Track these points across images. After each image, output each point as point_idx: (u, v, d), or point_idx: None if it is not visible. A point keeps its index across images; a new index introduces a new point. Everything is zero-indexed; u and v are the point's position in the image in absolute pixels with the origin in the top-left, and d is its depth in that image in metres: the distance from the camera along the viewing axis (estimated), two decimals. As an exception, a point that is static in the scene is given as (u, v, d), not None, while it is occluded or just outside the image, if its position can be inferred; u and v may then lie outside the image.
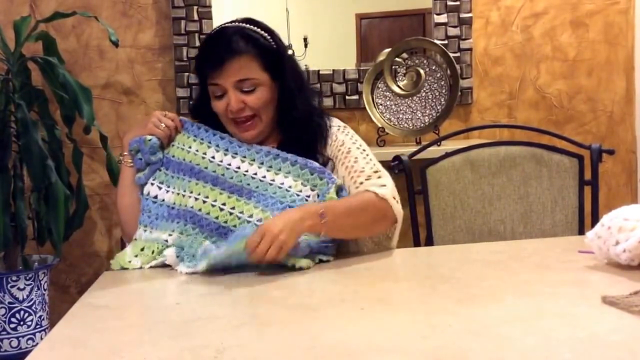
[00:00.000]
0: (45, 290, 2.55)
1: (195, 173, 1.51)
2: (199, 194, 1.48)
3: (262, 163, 1.48)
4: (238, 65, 1.50)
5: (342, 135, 1.58)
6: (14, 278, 2.45)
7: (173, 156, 1.55)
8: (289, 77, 1.56)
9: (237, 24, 1.56)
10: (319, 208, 1.37)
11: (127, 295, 1.25)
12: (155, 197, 1.53)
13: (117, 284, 1.34)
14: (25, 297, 2.47)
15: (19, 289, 2.46)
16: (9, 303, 2.45)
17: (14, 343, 2.46)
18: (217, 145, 1.53)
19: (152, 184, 1.54)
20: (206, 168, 1.51)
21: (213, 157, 1.52)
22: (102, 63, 2.86)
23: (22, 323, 2.47)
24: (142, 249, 1.45)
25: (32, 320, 2.49)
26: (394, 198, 1.47)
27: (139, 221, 1.53)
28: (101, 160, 2.75)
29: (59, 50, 2.62)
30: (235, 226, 1.42)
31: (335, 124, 1.61)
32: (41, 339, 2.47)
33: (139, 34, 2.87)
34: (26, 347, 2.47)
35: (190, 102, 2.85)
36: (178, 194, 1.51)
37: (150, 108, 2.88)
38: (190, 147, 1.54)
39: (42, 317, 2.53)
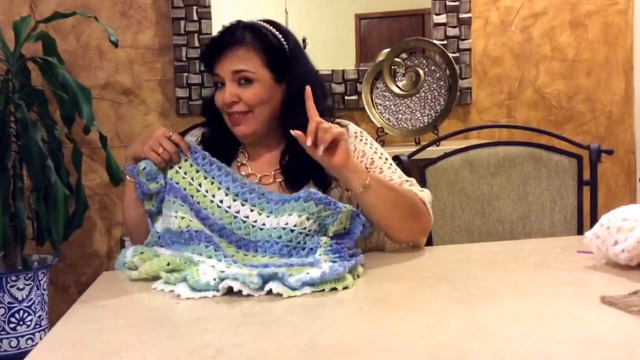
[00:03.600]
0: (44, 290, 2.56)
1: (202, 217, 1.43)
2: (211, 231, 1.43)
3: (271, 212, 1.42)
4: (236, 56, 1.47)
5: (360, 145, 1.54)
6: (14, 278, 2.45)
7: (177, 183, 1.46)
8: (296, 82, 1.49)
9: (253, 20, 1.54)
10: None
11: (126, 295, 1.25)
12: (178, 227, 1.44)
13: (116, 284, 1.34)
14: (24, 297, 2.47)
15: (18, 288, 2.46)
16: (9, 303, 2.45)
17: (14, 343, 2.46)
18: (228, 189, 1.45)
19: (171, 217, 1.45)
20: (213, 214, 1.44)
21: (221, 201, 1.44)
22: (101, 63, 2.86)
23: (21, 323, 2.47)
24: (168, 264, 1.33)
25: (31, 320, 2.49)
26: (429, 204, 1.48)
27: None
28: (101, 160, 2.75)
29: (59, 50, 2.62)
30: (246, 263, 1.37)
31: (352, 130, 1.57)
32: (40, 338, 2.47)
33: (138, 34, 2.87)
34: (25, 347, 2.47)
35: (190, 103, 2.86)
36: (183, 218, 1.42)
37: (149, 108, 2.89)
38: (200, 185, 1.46)
39: (41, 317, 2.53)
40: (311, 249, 1.37)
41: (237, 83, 1.47)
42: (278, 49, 1.50)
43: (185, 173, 1.47)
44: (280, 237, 1.38)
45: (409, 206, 1.44)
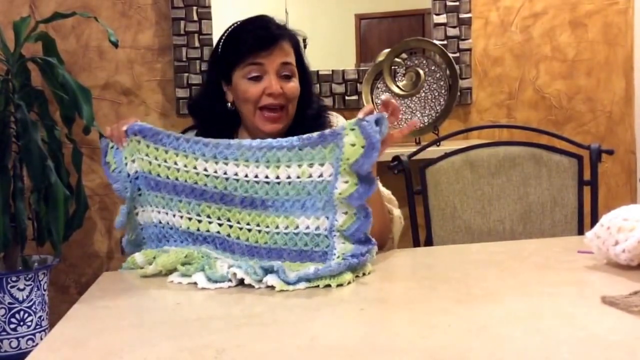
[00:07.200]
0: (45, 290, 2.56)
1: (199, 194, 1.40)
2: (219, 218, 1.39)
3: (257, 161, 1.35)
4: (285, 50, 1.52)
5: None
6: (14, 278, 2.45)
7: (159, 175, 1.43)
8: (305, 78, 1.59)
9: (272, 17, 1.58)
10: None
11: (127, 296, 1.25)
12: (160, 222, 1.45)
13: (116, 284, 1.34)
14: (25, 297, 2.47)
15: (18, 289, 2.46)
16: (9, 303, 2.45)
17: (14, 343, 2.46)
18: (204, 154, 1.39)
19: (153, 211, 1.46)
20: (206, 185, 1.39)
21: (206, 170, 1.39)
22: (101, 63, 2.86)
23: (22, 323, 2.47)
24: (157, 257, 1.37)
25: (32, 321, 2.49)
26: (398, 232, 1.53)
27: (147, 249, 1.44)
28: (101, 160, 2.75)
29: (59, 50, 2.62)
30: (266, 243, 1.35)
31: (342, 123, 1.61)
32: (41, 339, 2.47)
33: (138, 34, 2.87)
34: (26, 348, 2.47)
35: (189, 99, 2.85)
36: (190, 218, 1.41)
37: (149, 108, 2.89)
38: (176, 164, 1.41)
39: (42, 318, 2.53)
40: (327, 201, 1.30)
41: (279, 76, 1.52)
42: (299, 48, 1.58)
43: (156, 158, 1.44)
44: (287, 193, 1.33)
45: (385, 223, 1.47)
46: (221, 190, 1.38)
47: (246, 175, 1.36)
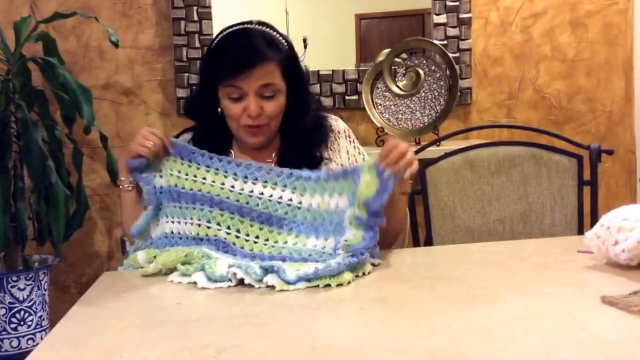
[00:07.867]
0: (45, 290, 2.56)
1: (216, 203, 1.44)
2: (229, 227, 1.42)
3: (285, 186, 1.43)
4: (264, 71, 1.47)
5: (347, 144, 1.61)
6: (14, 278, 2.45)
7: (183, 188, 1.47)
8: (298, 84, 1.55)
9: (255, 26, 1.52)
10: None
11: (127, 295, 1.25)
12: (172, 232, 1.47)
13: (117, 284, 1.35)
14: (25, 297, 2.47)
15: (19, 289, 2.46)
16: (10, 303, 2.46)
17: (14, 343, 2.47)
18: (235, 174, 1.45)
19: (167, 222, 1.48)
20: (228, 198, 1.44)
21: (233, 187, 1.45)
22: (102, 63, 2.86)
23: (22, 323, 2.47)
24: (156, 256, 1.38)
25: (32, 321, 2.49)
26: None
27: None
28: (101, 160, 2.75)
29: (59, 50, 2.62)
30: (270, 253, 1.39)
31: (342, 127, 1.63)
32: (41, 339, 2.47)
33: (138, 34, 2.87)
34: (26, 347, 2.47)
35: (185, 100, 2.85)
36: (200, 225, 1.44)
37: (150, 108, 2.89)
38: (205, 179, 1.46)
39: (42, 317, 2.53)
40: (338, 224, 1.38)
41: (260, 96, 1.49)
42: (288, 57, 1.53)
43: (186, 174, 1.48)
44: (305, 218, 1.42)
45: (402, 226, 1.61)
46: (242, 203, 1.44)
47: (270, 195, 1.44)
